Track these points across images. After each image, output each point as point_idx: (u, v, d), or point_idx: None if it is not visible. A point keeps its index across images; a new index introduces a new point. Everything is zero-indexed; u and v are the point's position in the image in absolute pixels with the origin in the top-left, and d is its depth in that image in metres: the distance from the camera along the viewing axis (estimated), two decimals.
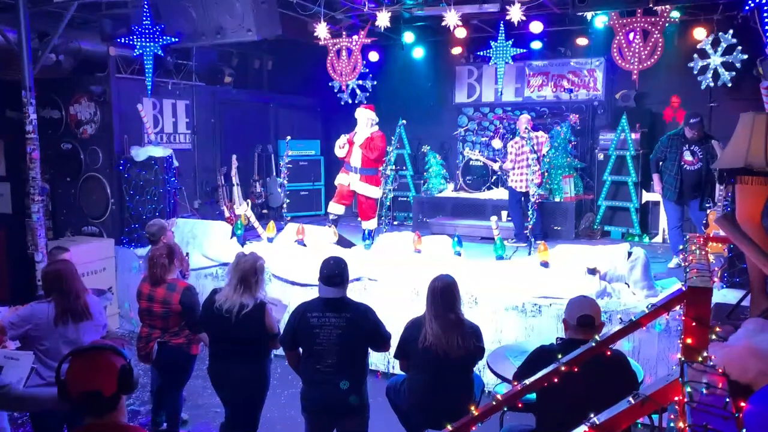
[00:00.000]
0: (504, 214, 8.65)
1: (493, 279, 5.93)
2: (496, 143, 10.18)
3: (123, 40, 7.19)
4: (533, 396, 3.28)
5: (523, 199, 7.94)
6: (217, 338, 4.07)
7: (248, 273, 3.94)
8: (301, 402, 3.79)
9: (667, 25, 6.77)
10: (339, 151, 7.78)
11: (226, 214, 8.73)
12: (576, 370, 2.55)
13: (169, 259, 4.55)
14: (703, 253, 3.05)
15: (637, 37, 6.80)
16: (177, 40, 7.11)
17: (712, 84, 7.57)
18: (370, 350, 3.83)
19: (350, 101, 9.03)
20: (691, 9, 7.66)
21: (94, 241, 7.71)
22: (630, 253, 5.81)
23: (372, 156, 7.53)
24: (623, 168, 8.45)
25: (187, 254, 5.53)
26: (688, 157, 6.66)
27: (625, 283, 5.61)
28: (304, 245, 7.05)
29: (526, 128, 7.98)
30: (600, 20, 7.90)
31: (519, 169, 8.05)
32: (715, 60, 7.46)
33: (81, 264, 7.09)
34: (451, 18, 7.05)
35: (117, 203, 7.89)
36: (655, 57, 6.76)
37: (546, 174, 8.31)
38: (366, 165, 7.62)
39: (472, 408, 2.63)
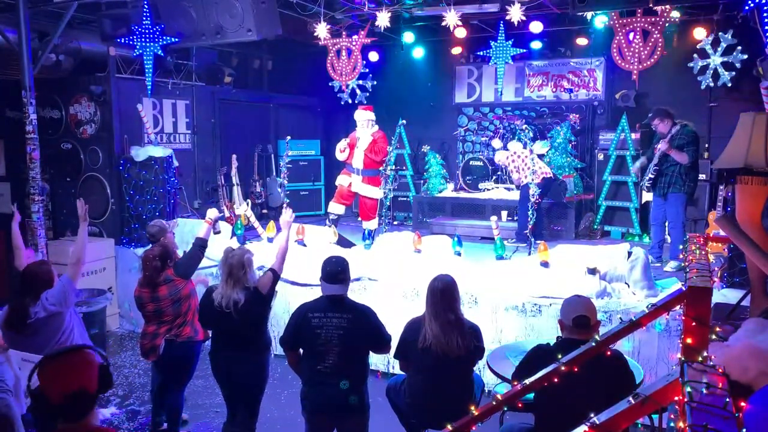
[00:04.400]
0: (504, 214, 8.65)
1: (493, 279, 5.93)
2: (496, 143, 10.18)
3: (123, 40, 7.19)
4: (532, 395, 3.28)
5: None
6: (221, 331, 4.12)
7: (236, 267, 3.97)
8: (302, 402, 3.79)
9: (667, 25, 6.77)
10: (340, 155, 7.77)
11: (226, 214, 8.72)
12: (576, 370, 2.55)
13: (162, 262, 4.51)
14: (703, 253, 3.05)
15: (637, 37, 6.80)
16: (177, 40, 7.11)
17: (712, 84, 7.56)
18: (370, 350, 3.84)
19: (350, 101, 9.03)
20: (691, 9, 7.66)
21: (94, 241, 7.70)
22: (630, 253, 5.81)
23: (377, 158, 7.53)
24: (623, 168, 8.44)
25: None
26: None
27: (625, 283, 5.61)
28: (304, 245, 7.04)
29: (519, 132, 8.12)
30: (600, 20, 7.90)
31: (523, 166, 8.03)
32: (715, 60, 7.46)
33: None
34: (451, 18, 7.05)
35: (117, 203, 7.89)
36: (655, 57, 6.76)
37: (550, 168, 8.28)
38: (368, 166, 7.62)
39: (472, 408, 2.63)
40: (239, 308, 3.92)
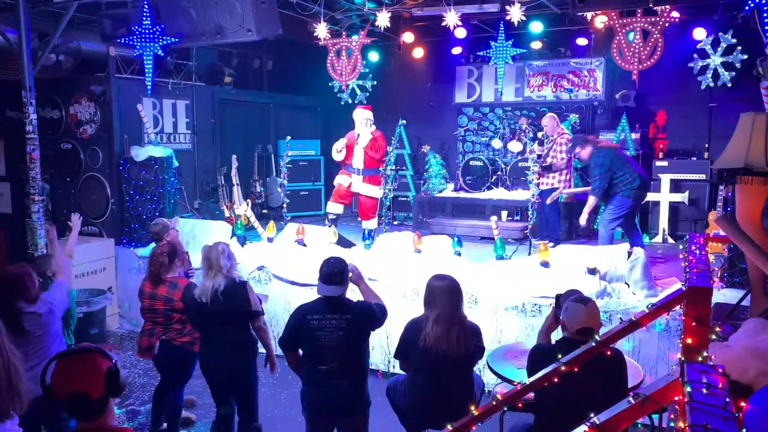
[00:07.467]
0: (504, 214, 8.65)
1: (493, 279, 5.93)
2: (496, 143, 10.18)
3: (123, 40, 7.19)
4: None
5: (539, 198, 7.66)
6: (206, 327, 4.17)
7: (213, 257, 4.08)
8: (302, 402, 3.79)
9: (667, 25, 6.77)
10: (337, 156, 7.74)
11: (226, 214, 8.73)
12: (576, 370, 2.56)
13: (169, 258, 4.56)
14: (703, 253, 3.05)
15: (637, 37, 6.80)
16: (177, 40, 7.11)
17: (712, 84, 7.57)
18: (369, 350, 3.84)
19: (350, 101, 9.03)
20: (691, 9, 7.67)
21: (94, 241, 7.71)
22: (630, 253, 5.82)
23: (377, 156, 7.53)
24: None
25: (187, 253, 5.52)
26: None
27: (625, 283, 5.60)
28: (304, 245, 7.04)
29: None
30: (600, 20, 7.90)
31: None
32: (715, 60, 7.47)
33: (81, 264, 7.13)
34: (451, 18, 7.05)
35: (117, 203, 7.90)
36: (655, 57, 6.76)
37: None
38: (368, 166, 7.61)
39: (472, 408, 2.63)
40: (219, 295, 4.01)
